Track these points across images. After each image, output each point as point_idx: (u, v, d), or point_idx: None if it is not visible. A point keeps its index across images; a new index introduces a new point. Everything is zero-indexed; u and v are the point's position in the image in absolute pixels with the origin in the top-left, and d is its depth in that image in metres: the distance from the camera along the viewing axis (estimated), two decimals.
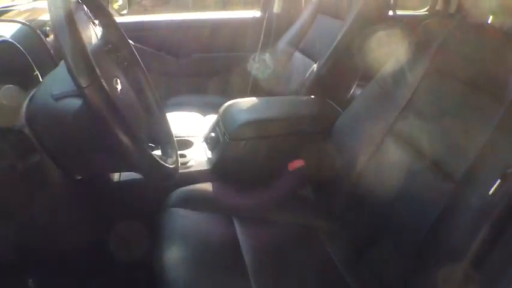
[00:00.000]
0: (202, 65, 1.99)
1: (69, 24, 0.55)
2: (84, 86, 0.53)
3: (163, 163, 0.67)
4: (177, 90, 1.92)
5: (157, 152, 0.80)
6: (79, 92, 0.53)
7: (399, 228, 0.93)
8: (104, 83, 0.56)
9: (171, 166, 0.71)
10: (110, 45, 0.78)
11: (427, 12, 2.42)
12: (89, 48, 0.61)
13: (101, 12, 0.78)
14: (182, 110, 1.73)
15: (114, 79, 0.69)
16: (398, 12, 2.40)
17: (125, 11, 1.98)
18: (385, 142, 1.04)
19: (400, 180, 0.97)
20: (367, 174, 1.05)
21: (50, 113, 0.60)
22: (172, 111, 1.73)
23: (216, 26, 2.02)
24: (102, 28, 0.77)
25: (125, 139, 0.55)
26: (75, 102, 0.58)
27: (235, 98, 1.35)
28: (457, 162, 0.84)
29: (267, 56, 1.91)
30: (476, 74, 0.89)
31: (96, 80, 0.53)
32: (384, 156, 1.04)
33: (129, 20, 2.00)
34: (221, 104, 1.28)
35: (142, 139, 0.71)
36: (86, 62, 0.54)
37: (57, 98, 0.57)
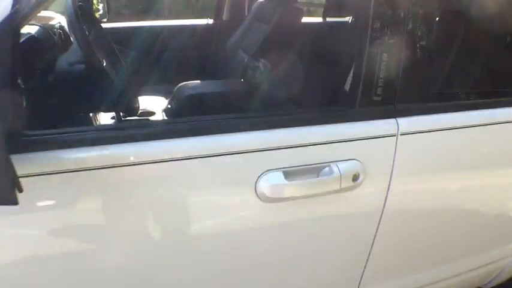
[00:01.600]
0: (167, 63, 2.50)
1: (79, 24, 1.07)
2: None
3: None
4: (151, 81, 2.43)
5: None
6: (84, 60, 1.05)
7: None
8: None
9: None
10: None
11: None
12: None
13: (94, 23, 1.31)
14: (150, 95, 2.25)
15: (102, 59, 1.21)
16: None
17: (105, 19, 2.50)
18: None
19: None
20: None
21: (66, 70, 1.11)
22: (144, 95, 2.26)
23: (177, 31, 2.55)
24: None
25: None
26: (80, 66, 1.09)
27: None
28: None
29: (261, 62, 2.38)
30: None
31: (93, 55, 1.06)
32: None
33: (108, 26, 2.51)
34: None
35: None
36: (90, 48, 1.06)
37: (71, 64, 1.08)
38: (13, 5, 0.75)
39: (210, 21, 2.60)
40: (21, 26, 0.85)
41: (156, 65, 2.37)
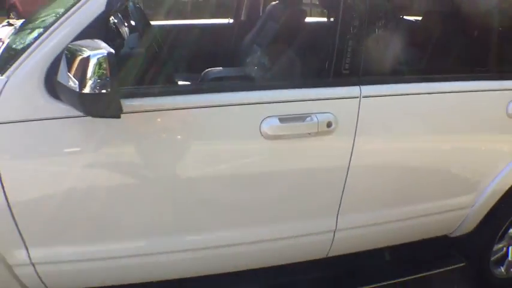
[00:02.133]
0: (195, 54, 2.99)
1: (144, 20, 1.55)
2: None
3: None
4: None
5: None
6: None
7: None
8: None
9: None
10: None
11: None
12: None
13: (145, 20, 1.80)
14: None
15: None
16: None
17: None
18: None
19: None
20: None
21: (129, 52, 1.59)
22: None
23: (203, 29, 3.05)
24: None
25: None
26: (139, 50, 1.57)
27: None
28: None
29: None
30: None
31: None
32: None
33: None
34: None
35: None
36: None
37: (131, 48, 1.56)
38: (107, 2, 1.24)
39: (231, 21, 3.09)
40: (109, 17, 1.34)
41: (187, 56, 2.86)
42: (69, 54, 1.12)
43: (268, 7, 2.83)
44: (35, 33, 1.40)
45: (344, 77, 1.46)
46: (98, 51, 1.05)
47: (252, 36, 2.85)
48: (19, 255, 1.42)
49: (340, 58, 1.45)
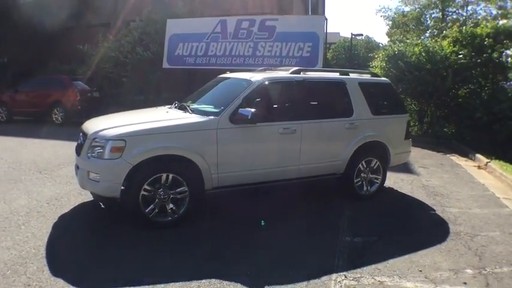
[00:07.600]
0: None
1: None
2: None
3: None
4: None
5: None
6: None
7: None
8: None
9: None
10: None
11: None
12: None
13: None
14: None
15: None
16: None
17: None
18: None
19: None
20: None
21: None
22: None
23: None
24: None
25: None
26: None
27: None
28: None
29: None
30: None
31: None
32: None
33: None
34: None
35: None
36: None
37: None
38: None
39: None
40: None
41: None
42: (240, 110, 5.08)
43: None
44: (211, 104, 5.47)
45: (297, 118, 5.60)
46: (249, 110, 5.02)
47: None
48: (214, 170, 5.05)
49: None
